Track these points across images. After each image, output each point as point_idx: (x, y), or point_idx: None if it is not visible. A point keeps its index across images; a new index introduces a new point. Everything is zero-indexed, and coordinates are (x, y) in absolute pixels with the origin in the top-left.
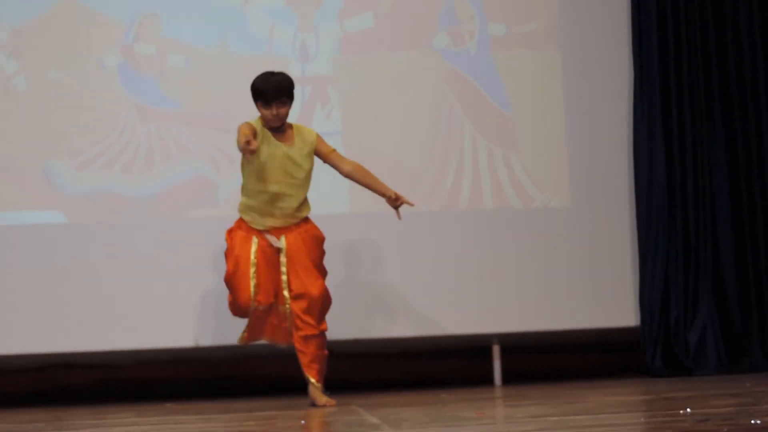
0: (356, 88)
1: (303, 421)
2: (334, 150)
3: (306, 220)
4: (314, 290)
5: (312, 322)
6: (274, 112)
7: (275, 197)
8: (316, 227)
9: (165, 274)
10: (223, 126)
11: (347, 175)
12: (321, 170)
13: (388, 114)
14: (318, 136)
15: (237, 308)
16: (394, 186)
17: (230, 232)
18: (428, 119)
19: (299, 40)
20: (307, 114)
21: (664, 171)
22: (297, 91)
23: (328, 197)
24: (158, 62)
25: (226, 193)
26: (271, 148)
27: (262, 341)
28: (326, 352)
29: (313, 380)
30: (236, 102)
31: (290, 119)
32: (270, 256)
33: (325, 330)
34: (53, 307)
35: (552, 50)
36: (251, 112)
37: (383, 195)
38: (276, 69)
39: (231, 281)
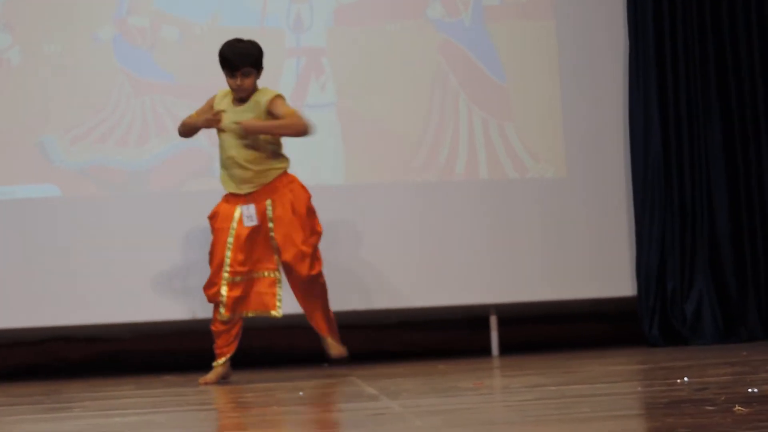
0: (351, 60)
1: (302, 393)
2: (294, 112)
3: (286, 177)
4: (297, 241)
5: (304, 267)
6: (238, 82)
7: (233, 160)
8: (299, 186)
9: (161, 246)
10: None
11: None
12: (316, 140)
13: (382, 85)
14: (276, 97)
15: (209, 285)
16: (390, 157)
17: (212, 214)
18: (423, 90)
19: (293, 12)
20: (302, 86)
21: (659, 140)
22: (291, 63)
23: (323, 168)
24: (151, 34)
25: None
26: (225, 115)
27: (251, 314)
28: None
29: (329, 339)
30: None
31: (285, 93)
32: (260, 220)
33: (318, 273)
34: (50, 281)
35: (547, 20)
36: None
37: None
38: (270, 40)
39: (211, 257)
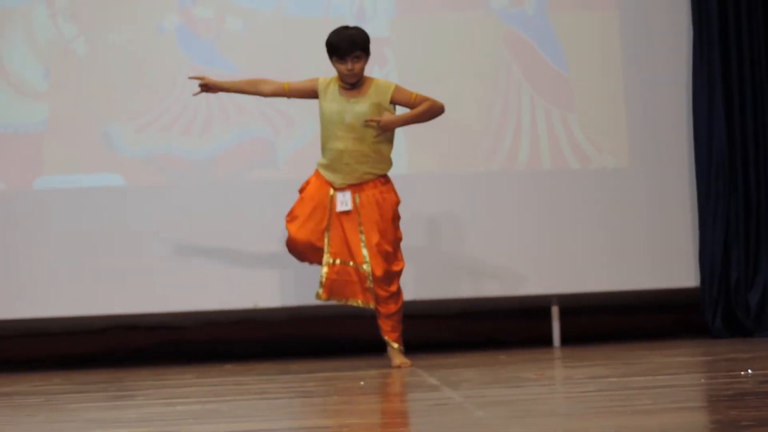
0: (413, 50)
1: (363, 383)
2: (417, 94)
3: (384, 179)
4: (377, 270)
5: (382, 287)
6: (349, 66)
7: (341, 154)
8: (392, 190)
9: (224, 236)
10: None
11: None
12: None
13: (445, 76)
14: (396, 87)
15: (294, 244)
16: (453, 147)
17: (303, 187)
18: (486, 81)
19: (356, 2)
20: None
21: (724, 131)
22: None
23: None
24: (216, 25)
25: (284, 155)
26: (332, 104)
27: (342, 302)
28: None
29: (394, 344)
30: (294, 64)
31: None
32: (349, 212)
33: (395, 291)
34: (114, 270)
35: (610, 11)
36: (308, 74)
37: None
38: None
39: (297, 213)
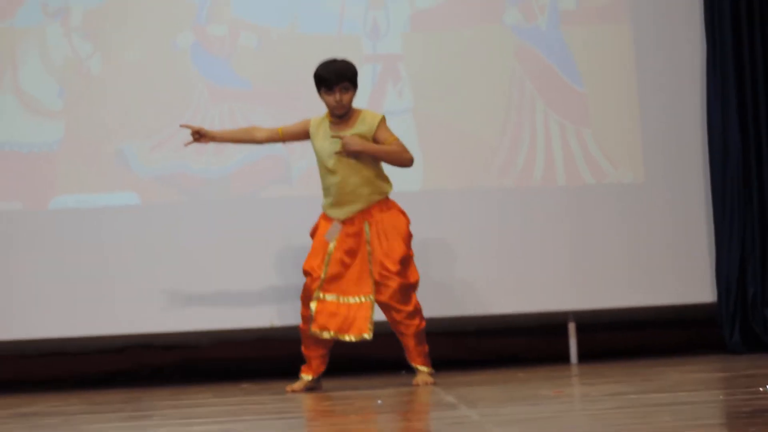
0: (427, 65)
1: (380, 401)
2: (396, 140)
3: (386, 203)
4: (391, 282)
5: (398, 307)
6: (337, 97)
7: (341, 186)
8: (400, 212)
9: (240, 254)
10: (294, 105)
11: None
12: None
13: (459, 91)
14: (382, 120)
15: (305, 290)
16: (467, 163)
17: (314, 229)
18: (500, 96)
19: (370, 18)
20: (379, 92)
21: (739, 145)
22: (368, 70)
23: (401, 174)
24: (230, 42)
25: (299, 172)
26: (324, 142)
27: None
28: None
29: (422, 368)
30: (307, 81)
31: (362, 99)
32: (353, 244)
33: (413, 310)
34: (131, 288)
35: (623, 23)
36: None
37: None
38: (347, 47)
39: (312, 264)
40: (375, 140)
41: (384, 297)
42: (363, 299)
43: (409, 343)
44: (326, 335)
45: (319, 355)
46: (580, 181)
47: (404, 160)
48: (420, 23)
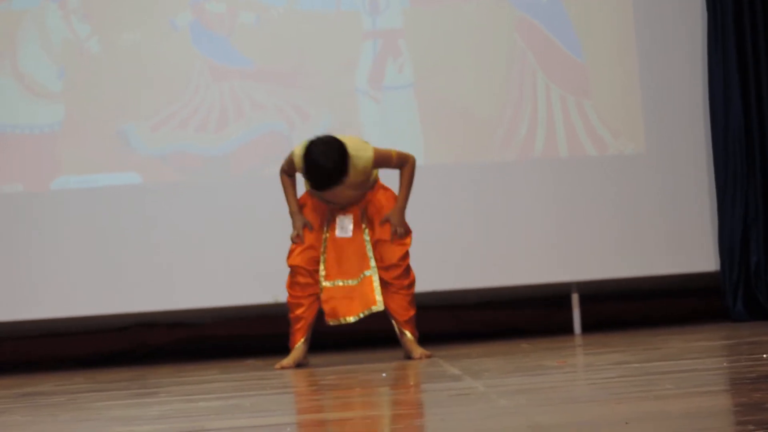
0: (428, 40)
1: (384, 374)
2: (397, 152)
3: (376, 185)
4: (396, 249)
5: (399, 275)
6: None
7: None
8: (388, 190)
9: (242, 231)
10: (295, 82)
11: None
12: (392, 121)
13: (460, 65)
14: (374, 156)
15: (294, 281)
16: (469, 137)
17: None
18: (501, 69)
19: None
20: (379, 68)
21: (740, 113)
22: (368, 46)
23: (402, 148)
24: (229, 20)
25: None
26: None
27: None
28: (414, 309)
29: (408, 334)
30: (308, 57)
31: (362, 76)
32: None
33: (411, 284)
34: (134, 267)
35: None
36: (321, 67)
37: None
38: (346, 23)
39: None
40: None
41: (387, 261)
42: (366, 274)
43: (400, 304)
44: (342, 321)
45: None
46: (581, 153)
47: (414, 169)
48: None
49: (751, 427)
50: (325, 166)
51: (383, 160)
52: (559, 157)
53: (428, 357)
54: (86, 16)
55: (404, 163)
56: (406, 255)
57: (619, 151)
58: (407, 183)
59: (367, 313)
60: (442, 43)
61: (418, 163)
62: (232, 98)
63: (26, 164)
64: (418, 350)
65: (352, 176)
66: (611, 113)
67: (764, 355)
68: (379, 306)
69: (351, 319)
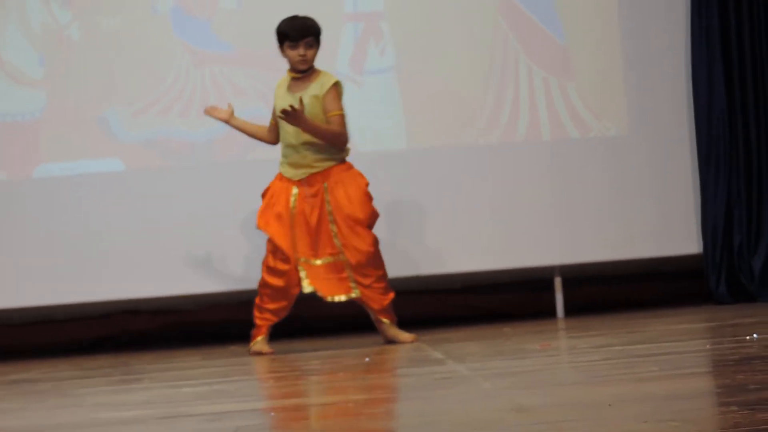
0: (409, 23)
1: (368, 359)
2: (339, 114)
3: (344, 164)
4: (362, 246)
5: (370, 272)
6: (301, 52)
7: (296, 147)
8: (357, 174)
9: (225, 217)
10: (276, 66)
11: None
12: (374, 105)
13: (442, 48)
14: (333, 85)
15: (274, 270)
16: (451, 120)
17: (266, 190)
18: (483, 52)
19: None
20: (361, 51)
21: (723, 94)
22: (349, 28)
23: (385, 133)
24: (210, 4)
25: None
26: (281, 101)
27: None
28: (391, 293)
29: (386, 321)
30: None
31: (344, 58)
32: (310, 206)
33: (384, 274)
34: (117, 254)
35: None
36: None
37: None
38: (327, 6)
39: (269, 234)
40: (323, 103)
41: (354, 260)
42: (338, 258)
43: (376, 307)
44: (330, 299)
45: (281, 306)
46: (564, 135)
47: (338, 143)
48: None
49: (734, 408)
50: (302, 16)
51: (334, 100)
52: (542, 139)
53: (415, 340)
54: (67, 2)
55: (338, 128)
56: (373, 255)
57: (601, 134)
58: (323, 131)
59: (345, 298)
60: (423, 26)
61: (400, 146)
62: (213, 83)
63: (8, 152)
64: (402, 335)
65: (318, 79)
66: (594, 95)
67: (747, 337)
68: (355, 294)
69: (337, 298)
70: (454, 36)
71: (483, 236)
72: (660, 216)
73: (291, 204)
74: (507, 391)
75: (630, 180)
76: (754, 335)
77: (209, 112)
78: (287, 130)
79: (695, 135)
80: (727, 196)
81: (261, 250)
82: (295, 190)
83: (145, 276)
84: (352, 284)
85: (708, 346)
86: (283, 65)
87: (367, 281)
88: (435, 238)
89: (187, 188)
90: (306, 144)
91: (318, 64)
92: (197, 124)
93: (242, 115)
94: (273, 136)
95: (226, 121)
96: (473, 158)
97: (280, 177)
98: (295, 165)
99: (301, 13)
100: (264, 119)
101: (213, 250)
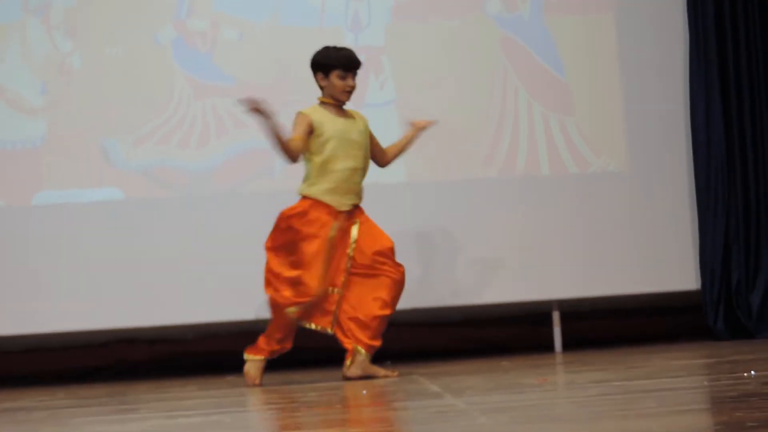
0: (409, 57)
1: (365, 391)
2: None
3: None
4: (368, 313)
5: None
6: (351, 83)
7: (353, 173)
8: (372, 226)
9: (224, 247)
10: (277, 98)
11: (386, 164)
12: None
13: (442, 82)
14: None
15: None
16: (450, 154)
17: (302, 215)
18: (483, 86)
19: (351, 10)
20: (361, 84)
21: (722, 132)
22: None
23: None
24: (211, 37)
25: (282, 165)
26: (335, 125)
27: (309, 326)
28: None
29: (364, 352)
30: (289, 74)
31: None
32: (342, 236)
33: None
34: (115, 283)
35: (605, 13)
36: (304, 84)
37: (410, 139)
38: (328, 40)
39: (303, 268)
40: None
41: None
42: (333, 291)
43: (367, 335)
44: (303, 324)
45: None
46: (563, 171)
47: (291, 157)
48: (402, 15)
49: None
50: (344, 47)
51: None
52: (541, 174)
53: (394, 376)
54: (69, 32)
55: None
56: (382, 319)
57: (601, 169)
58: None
59: (320, 330)
60: (424, 60)
61: (400, 179)
62: (214, 114)
63: (8, 179)
64: (382, 370)
65: (354, 114)
66: (593, 131)
67: (745, 374)
68: (331, 331)
69: (310, 325)
70: (454, 71)
71: (482, 270)
72: (658, 252)
73: (329, 235)
74: (504, 426)
75: (629, 215)
76: (752, 372)
77: (252, 103)
78: (352, 154)
79: (694, 171)
80: (725, 234)
81: (257, 280)
82: (334, 225)
83: (144, 305)
84: (333, 321)
85: (706, 383)
86: (283, 97)
87: (358, 337)
88: (434, 271)
89: (186, 218)
90: (362, 170)
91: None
92: (197, 155)
93: (241, 147)
94: (298, 155)
95: (267, 118)
96: (472, 192)
97: (318, 205)
98: (346, 192)
99: (305, 47)
100: (262, 151)
101: (211, 280)
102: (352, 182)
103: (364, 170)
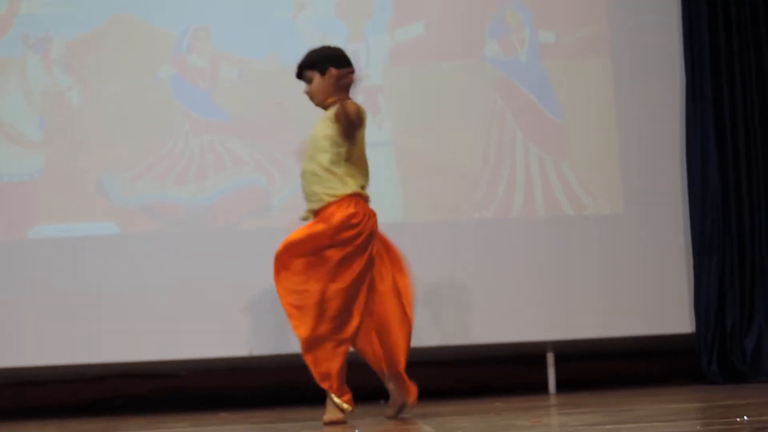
0: (407, 98)
1: (357, 430)
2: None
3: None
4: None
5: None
6: (306, 89)
7: (302, 175)
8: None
9: (219, 283)
10: (275, 137)
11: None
12: (373, 178)
13: (439, 123)
14: (340, 105)
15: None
16: (447, 195)
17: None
18: (479, 128)
19: (350, 51)
20: None
21: (717, 176)
22: None
23: (381, 206)
24: (210, 74)
25: (279, 203)
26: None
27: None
28: None
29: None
30: (288, 113)
31: None
32: None
33: None
34: (109, 318)
35: (602, 57)
36: (303, 123)
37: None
38: None
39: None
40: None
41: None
42: None
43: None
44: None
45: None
46: (559, 213)
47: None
48: (400, 56)
49: None
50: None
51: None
52: (537, 216)
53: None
54: (68, 67)
55: None
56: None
57: (596, 212)
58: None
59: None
60: (421, 101)
61: (396, 219)
62: (212, 151)
63: (4, 213)
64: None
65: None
66: (590, 174)
67: (737, 419)
68: None
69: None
70: (451, 112)
71: (476, 310)
72: (653, 294)
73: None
74: None
75: (624, 258)
76: (745, 417)
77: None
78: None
79: (689, 215)
80: (720, 277)
81: (256, 316)
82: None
83: (137, 339)
84: None
85: (698, 428)
86: (283, 136)
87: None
88: (428, 311)
89: (182, 253)
90: (309, 174)
91: None
92: (194, 190)
93: (239, 184)
94: None
95: None
96: (468, 233)
97: (366, 201)
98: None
99: (299, 87)
100: (260, 188)
101: (207, 316)
102: (303, 188)
103: (308, 172)
